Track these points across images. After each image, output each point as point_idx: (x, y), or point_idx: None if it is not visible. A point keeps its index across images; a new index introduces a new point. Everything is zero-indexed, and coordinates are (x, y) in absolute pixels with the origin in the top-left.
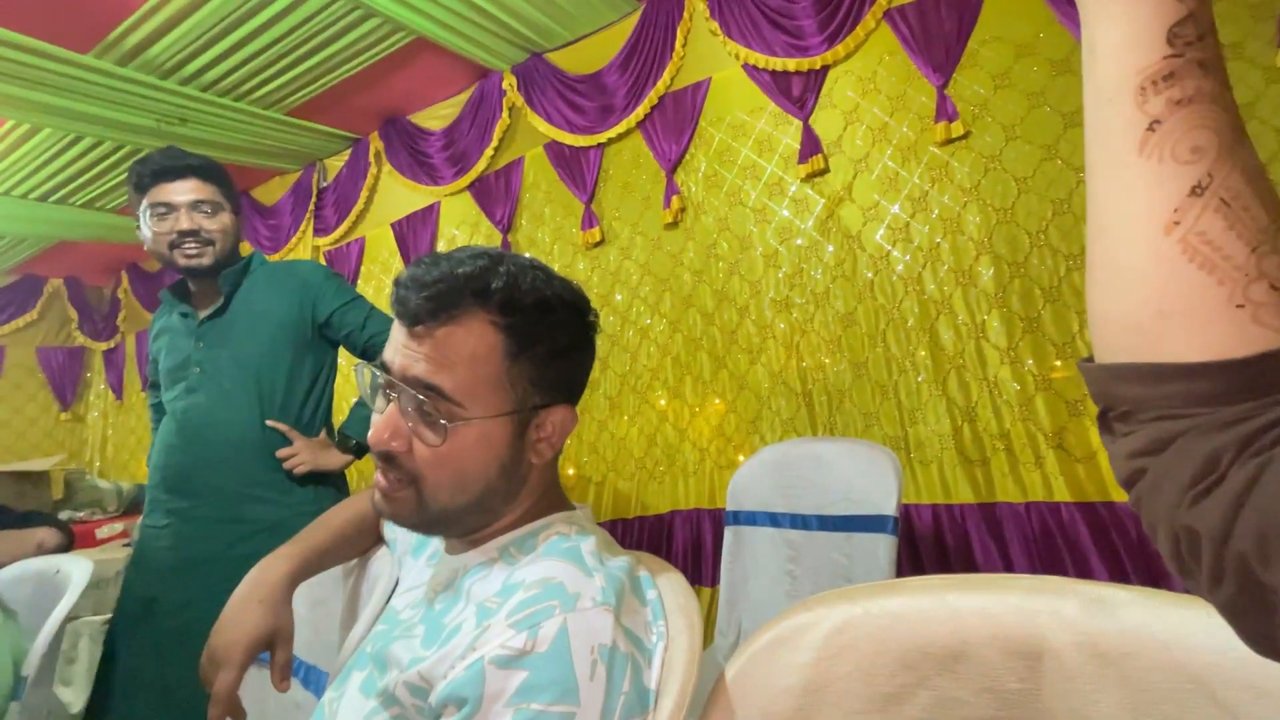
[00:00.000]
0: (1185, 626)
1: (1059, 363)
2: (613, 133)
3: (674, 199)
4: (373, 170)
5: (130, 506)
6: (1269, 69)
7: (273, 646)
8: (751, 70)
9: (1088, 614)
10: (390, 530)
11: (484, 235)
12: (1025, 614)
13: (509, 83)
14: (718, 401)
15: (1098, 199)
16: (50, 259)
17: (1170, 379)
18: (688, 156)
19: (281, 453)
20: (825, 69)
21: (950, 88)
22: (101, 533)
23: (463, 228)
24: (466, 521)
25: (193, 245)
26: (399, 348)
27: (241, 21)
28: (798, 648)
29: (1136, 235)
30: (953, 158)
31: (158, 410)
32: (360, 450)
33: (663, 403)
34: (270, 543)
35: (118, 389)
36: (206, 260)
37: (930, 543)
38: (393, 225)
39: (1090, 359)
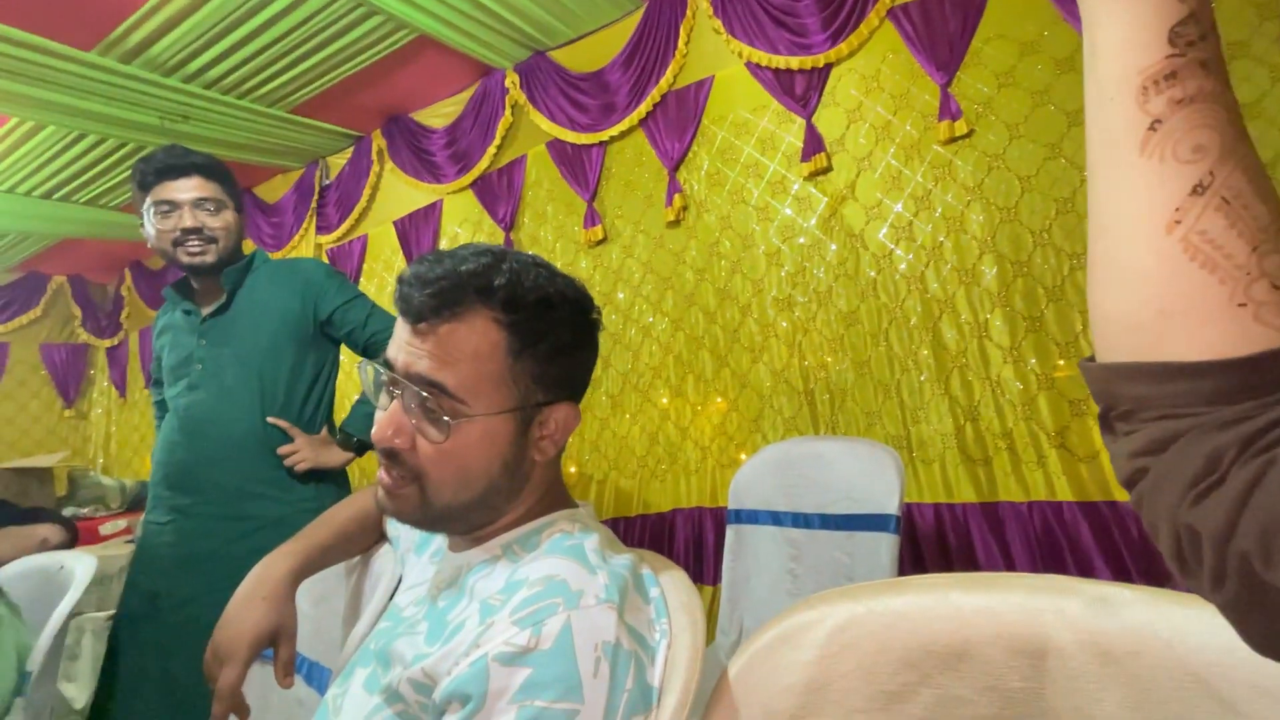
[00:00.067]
0: (1188, 625)
1: (1062, 362)
2: (615, 131)
3: (676, 197)
4: (375, 168)
5: (133, 503)
6: (1275, 67)
7: (276, 643)
8: (754, 68)
9: (1091, 613)
10: (393, 527)
11: (486, 233)
12: (1029, 612)
13: (511, 80)
14: (720, 400)
15: (1099, 198)
16: (54, 256)
17: (1172, 378)
18: (690, 155)
19: (283, 450)
20: (828, 67)
21: (954, 86)
22: (105, 529)
23: (465, 226)
24: (470, 519)
25: (196, 243)
26: (402, 345)
27: (244, 19)
28: (800, 646)
29: (1138, 234)
30: (956, 156)
31: (161, 407)
32: (361, 448)
33: (665, 401)
34: (272, 539)
35: (121, 386)
36: (209, 258)
37: (932, 542)
38: (395, 223)
39: (1092, 358)
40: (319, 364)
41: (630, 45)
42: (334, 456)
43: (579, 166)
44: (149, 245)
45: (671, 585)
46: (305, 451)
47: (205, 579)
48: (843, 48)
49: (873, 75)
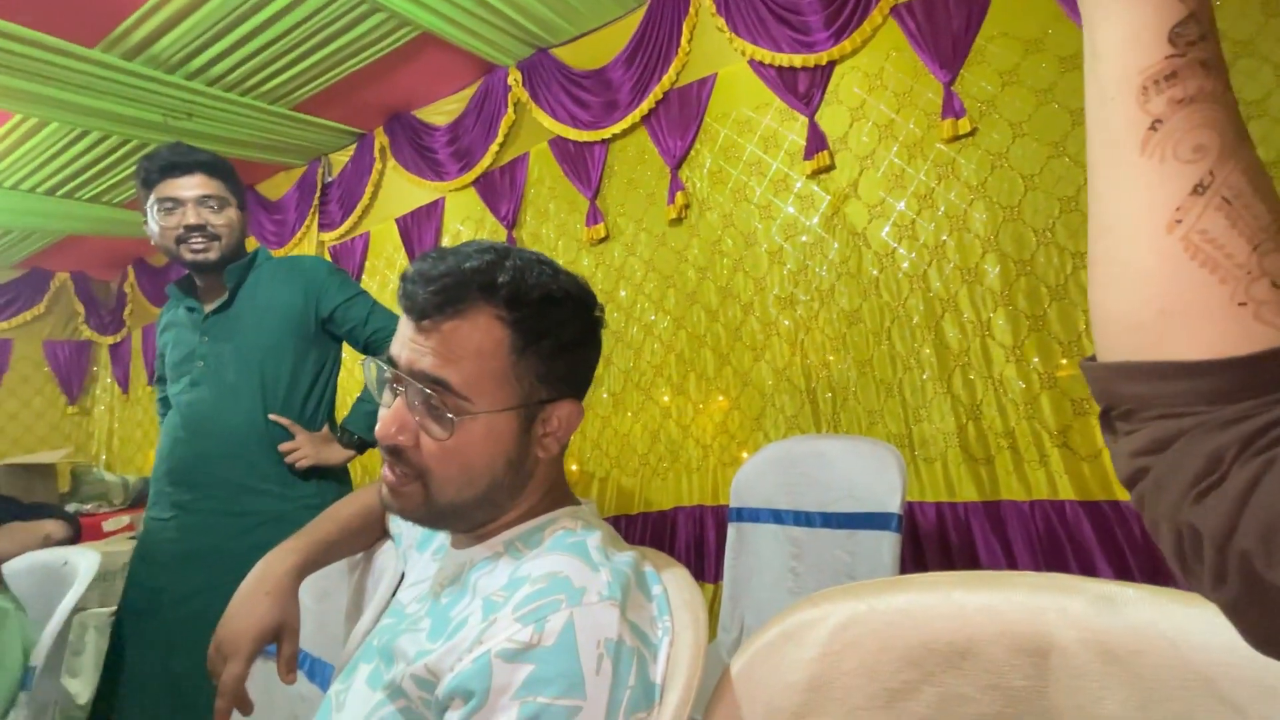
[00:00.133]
0: (1192, 624)
1: (1064, 361)
2: (617, 128)
3: (678, 195)
4: (378, 165)
5: (136, 499)
6: None
7: (279, 639)
8: (757, 66)
9: (1094, 611)
10: (395, 524)
11: (489, 231)
12: (1032, 611)
13: (514, 78)
14: (721, 398)
15: (1100, 198)
16: (57, 253)
17: (1172, 377)
18: (693, 152)
19: (284, 446)
20: (831, 65)
21: (957, 84)
22: (108, 525)
23: (467, 223)
24: (473, 516)
25: (199, 240)
26: (406, 342)
27: (247, 16)
28: (803, 643)
29: (1139, 234)
30: (959, 154)
31: (165, 404)
32: (362, 445)
33: (666, 399)
34: (273, 535)
35: (124, 383)
36: (212, 255)
37: (934, 541)
38: (397, 220)
39: (1093, 358)
40: (321, 361)
41: (633, 43)
42: (335, 454)
43: (581, 164)
44: (152, 242)
45: (674, 583)
46: (306, 448)
47: (207, 574)
48: (846, 45)
49: (876, 73)
